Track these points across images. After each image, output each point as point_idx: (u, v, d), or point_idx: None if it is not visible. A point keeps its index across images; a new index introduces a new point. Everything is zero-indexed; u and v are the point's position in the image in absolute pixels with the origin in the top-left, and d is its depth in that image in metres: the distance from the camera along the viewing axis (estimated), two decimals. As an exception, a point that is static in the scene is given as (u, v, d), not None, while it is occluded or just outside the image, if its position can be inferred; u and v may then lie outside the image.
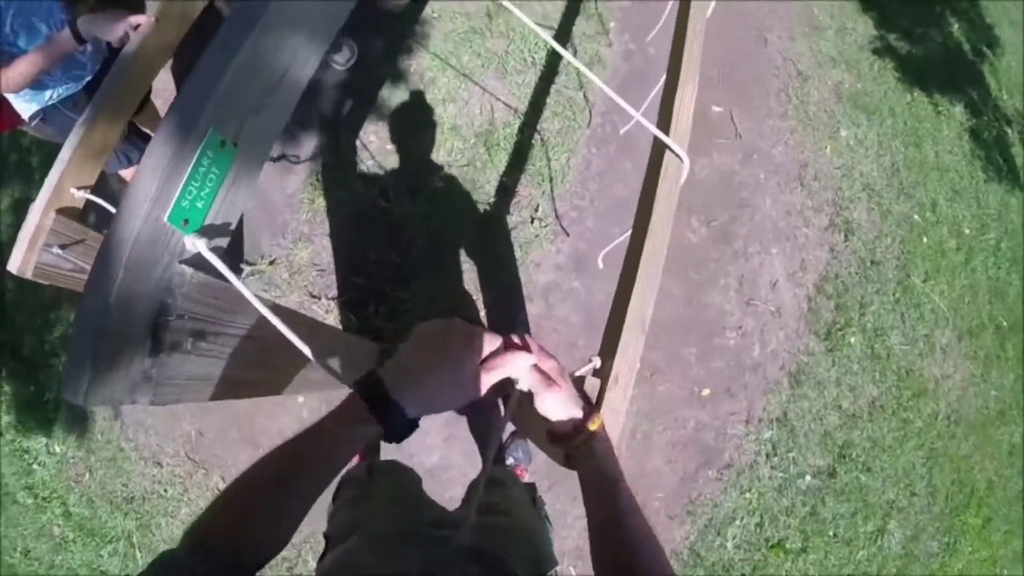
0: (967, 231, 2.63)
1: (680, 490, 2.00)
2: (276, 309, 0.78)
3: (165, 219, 0.53)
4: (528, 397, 0.60)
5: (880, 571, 2.11)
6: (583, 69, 0.91)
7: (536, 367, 0.59)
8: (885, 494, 2.18)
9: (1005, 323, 2.60)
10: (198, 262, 0.58)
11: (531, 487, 1.26)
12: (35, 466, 1.92)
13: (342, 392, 0.55)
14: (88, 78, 1.55)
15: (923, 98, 2.81)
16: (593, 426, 0.60)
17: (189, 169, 0.54)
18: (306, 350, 0.63)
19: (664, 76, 1.11)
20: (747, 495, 2.03)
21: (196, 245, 0.56)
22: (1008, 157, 2.97)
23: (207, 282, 0.60)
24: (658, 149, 0.96)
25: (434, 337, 0.53)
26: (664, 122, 0.99)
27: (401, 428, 0.50)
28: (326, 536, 0.93)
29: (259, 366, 0.78)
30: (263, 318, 0.68)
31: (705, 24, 1.16)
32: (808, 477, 2.11)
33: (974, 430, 2.39)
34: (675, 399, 2.03)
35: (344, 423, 0.51)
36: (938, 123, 2.80)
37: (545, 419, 0.61)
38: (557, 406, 0.59)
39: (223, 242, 0.62)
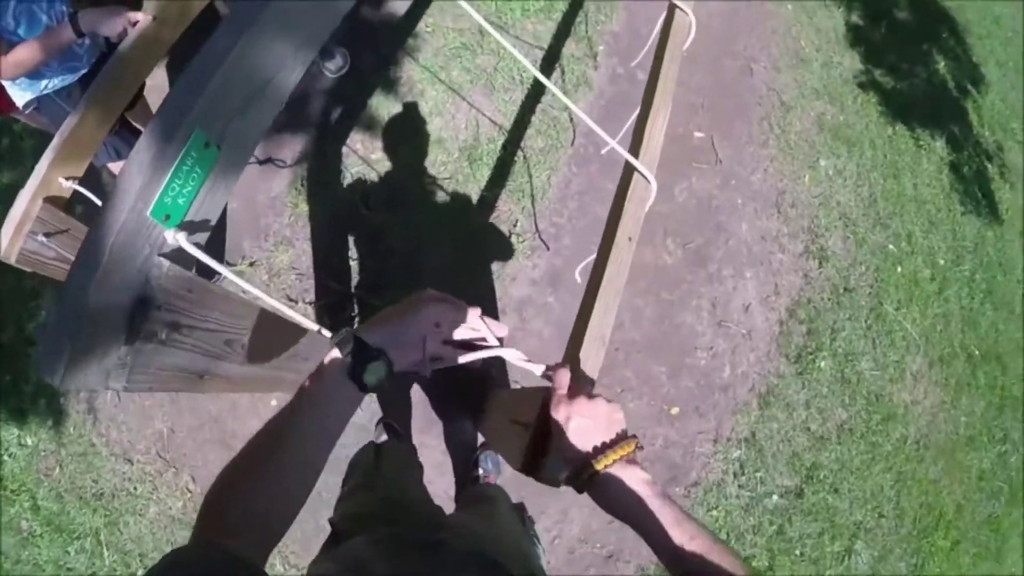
0: (942, 262, 2.76)
1: (648, 506, 2.09)
2: (248, 306, 0.87)
3: (148, 213, 0.58)
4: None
5: (848, 592, 2.19)
6: (559, 93, 0.99)
7: (566, 381, 0.63)
8: (853, 515, 2.27)
9: (977, 352, 2.71)
10: (176, 256, 0.63)
11: (520, 507, 1.31)
12: (5, 457, 1.96)
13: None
14: (84, 71, 1.61)
15: (905, 132, 2.96)
16: (599, 464, 0.57)
17: (173, 167, 0.59)
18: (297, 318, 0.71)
19: (645, 102, 1.20)
20: (713, 513, 2.11)
21: (177, 239, 0.61)
22: (987, 192, 3.11)
23: (181, 275, 0.65)
24: (628, 171, 1.03)
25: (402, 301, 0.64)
26: (635, 146, 1.06)
27: (361, 356, 0.56)
28: (331, 523, 1.00)
29: (223, 359, 0.85)
30: (234, 314, 0.76)
31: (682, 55, 1.24)
32: (775, 497, 2.19)
33: (943, 455, 2.49)
34: (644, 416, 2.11)
35: (317, 371, 0.57)
36: (918, 157, 2.94)
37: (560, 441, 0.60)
38: (572, 429, 0.59)
39: (202, 237, 0.67)
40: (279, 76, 0.69)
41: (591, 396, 0.61)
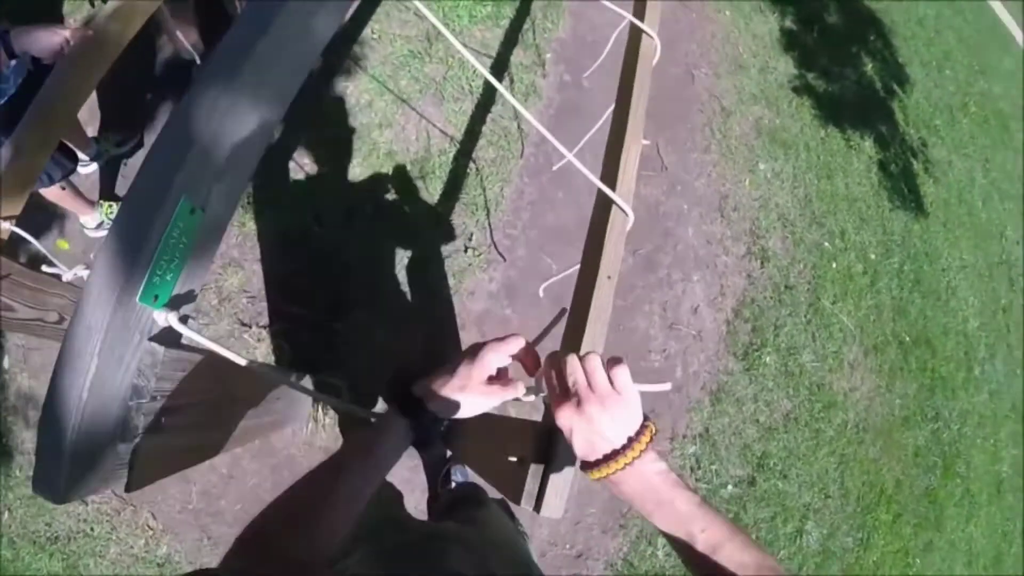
0: (873, 256, 3.12)
1: (611, 505, 2.27)
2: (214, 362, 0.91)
3: (137, 299, 0.54)
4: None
5: (800, 568, 2.45)
6: (524, 112, 0.99)
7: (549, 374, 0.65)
8: (801, 498, 2.54)
9: (908, 338, 3.08)
10: (165, 336, 0.60)
11: (503, 503, 1.40)
12: (-57, 507, 1.94)
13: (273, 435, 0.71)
14: (12, 91, 1.57)
15: (836, 133, 3.31)
16: (596, 475, 0.59)
17: (160, 243, 0.55)
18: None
19: (600, 115, 1.20)
20: (672, 507, 2.34)
21: (168, 320, 0.58)
22: (913, 187, 3.52)
23: (177, 358, 0.63)
24: (604, 204, 1.03)
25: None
26: (610, 178, 1.07)
27: (425, 422, 0.64)
28: None
29: (213, 427, 0.89)
30: (211, 380, 0.77)
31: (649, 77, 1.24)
32: (730, 487, 2.44)
33: (881, 436, 2.81)
34: (604, 419, 2.32)
35: (378, 430, 0.64)
36: (849, 157, 3.30)
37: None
38: (576, 440, 0.60)
39: (189, 309, 0.64)
40: (263, 122, 0.68)
41: (602, 398, 0.60)
